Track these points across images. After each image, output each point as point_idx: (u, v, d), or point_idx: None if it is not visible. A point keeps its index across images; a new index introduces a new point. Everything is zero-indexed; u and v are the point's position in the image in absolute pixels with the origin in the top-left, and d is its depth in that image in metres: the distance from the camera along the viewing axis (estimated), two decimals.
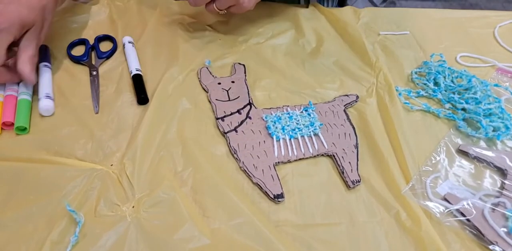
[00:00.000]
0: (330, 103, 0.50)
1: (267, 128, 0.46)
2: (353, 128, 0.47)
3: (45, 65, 0.52)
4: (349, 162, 0.44)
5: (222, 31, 0.61)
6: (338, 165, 0.44)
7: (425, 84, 0.54)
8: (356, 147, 0.45)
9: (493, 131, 0.47)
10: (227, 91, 0.51)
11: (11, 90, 0.48)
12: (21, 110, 0.46)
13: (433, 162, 0.45)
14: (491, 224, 0.38)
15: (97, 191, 0.40)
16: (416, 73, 0.55)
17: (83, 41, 0.58)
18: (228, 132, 0.46)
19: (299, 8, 0.65)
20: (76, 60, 0.55)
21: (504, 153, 0.45)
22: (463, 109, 0.50)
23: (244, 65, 0.55)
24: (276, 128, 0.46)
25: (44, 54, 0.54)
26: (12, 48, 0.47)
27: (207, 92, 0.51)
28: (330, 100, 0.51)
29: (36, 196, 0.39)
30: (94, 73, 0.53)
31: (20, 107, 0.47)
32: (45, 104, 0.47)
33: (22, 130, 0.45)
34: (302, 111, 0.49)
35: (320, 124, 0.47)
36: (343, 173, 0.43)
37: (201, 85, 0.52)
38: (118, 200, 0.39)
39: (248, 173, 0.42)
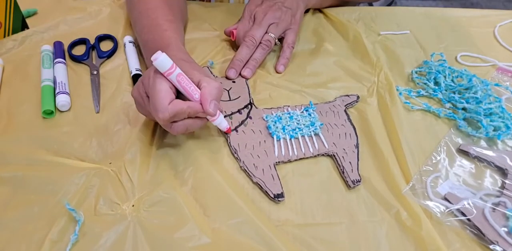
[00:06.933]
0: (331, 103, 0.50)
1: (268, 127, 0.46)
2: (354, 128, 0.47)
3: (61, 62, 0.53)
4: (350, 162, 0.43)
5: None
6: (339, 164, 0.43)
7: (425, 83, 0.54)
8: (357, 146, 0.45)
9: (494, 130, 0.47)
10: (228, 91, 0.51)
11: None
12: (46, 96, 0.48)
13: (434, 161, 0.45)
14: (492, 223, 0.38)
15: (96, 189, 0.40)
16: (416, 72, 0.55)
17: (83, 41, 0.58)
18: None
19: None
20: (77, 59, 0.55)
21: (504, 153, 0.45)
22: (464, 108, 0.50)
23: None
24: (277, 127, 0.46)
25: (59, 50, 0.54)
26: None
27: None
28: (330, 100, 0.51)
29: (36, 196, 0.39)
30: (95, 72, 0.53)
31: (45, 93, 0.48)
32: (61, 99, 0.48)
33: (49, 113, 0.47)
34: (302, 111, 0.48)
35: (321, 124, 0.47)
36: (343, 172, 0.43)
37: None
38: (118, 198, 0.39)
39: (248, 173, 0.42)
